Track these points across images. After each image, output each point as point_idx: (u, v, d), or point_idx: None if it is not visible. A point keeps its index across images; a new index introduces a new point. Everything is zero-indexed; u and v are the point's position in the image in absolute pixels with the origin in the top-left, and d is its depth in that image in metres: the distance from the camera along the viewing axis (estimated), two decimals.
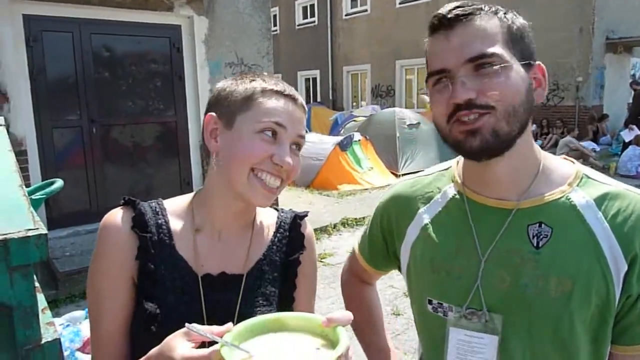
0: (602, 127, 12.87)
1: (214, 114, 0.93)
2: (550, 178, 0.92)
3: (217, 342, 0.68)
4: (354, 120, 11.75)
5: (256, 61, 6.00)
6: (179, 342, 0.71)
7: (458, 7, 0.85)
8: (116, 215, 0.93)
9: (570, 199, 0.89)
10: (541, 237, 0.87)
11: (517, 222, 0.89)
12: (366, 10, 17.89)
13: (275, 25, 20.29)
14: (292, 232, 1.04)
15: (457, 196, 0.98)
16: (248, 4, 5.89)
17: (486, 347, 0.89)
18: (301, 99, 0.96)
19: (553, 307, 0.85)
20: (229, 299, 0.92)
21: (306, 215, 1.09)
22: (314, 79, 20.42)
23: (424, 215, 1.02)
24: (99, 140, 5.30)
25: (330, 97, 19.52)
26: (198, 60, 5.61)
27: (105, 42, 5.23)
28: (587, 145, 10.98)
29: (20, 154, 4.49)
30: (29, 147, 4.71)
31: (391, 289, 4.28)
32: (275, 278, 0.99)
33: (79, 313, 2.99)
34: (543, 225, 0.88)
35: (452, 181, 1.01)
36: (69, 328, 2.71)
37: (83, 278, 4.07)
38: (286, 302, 1.00)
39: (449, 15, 0.84)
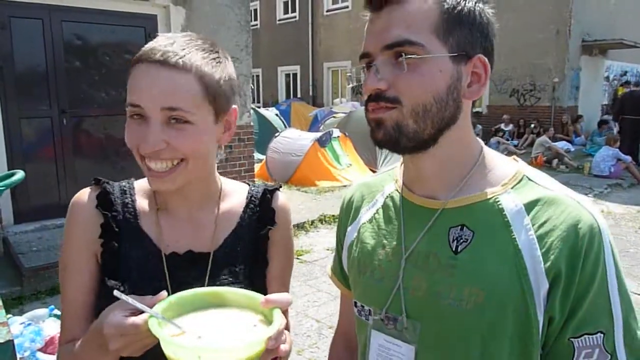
0: (577, 128, 13.13)
1: None
2: (485, 177, 0.83)
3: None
4: (334, 117, 11.70)
5: (235, 54, 5.88)
6: (113, 312, 0.72)
7: None
8: (83, 194, 0.95)
9: (498, 202, 0.79)
10: (461, 241, 0.78)
11: (441, 223, 0.81)
12: (347, 7, 17.84)
13: (255, 19, 20.09)
14: (262, 207, 1.01)
15: (394, 194, 0.92)
16: None
17: (404, 357, 0.82)
18: (180, 57, 0.85)
19: (465, 321, 0.76)
20: (195, 277, 0.91)
21: (278, 189, 1.05)
22: (295, 75, 20.29)
23: (364, 215, 0.96)
24: (69, 132, 5.14)
25: (311, 93, 19.43)
26: None
27: (77, 30, 5.07)
28: (562, 145, 11.17)
29: None
30: None
31: None
32: (244, 255, 0.97)
33: (42, 311, 2.86)
34: (465, 228, 0.79)
35: (394, 180, 0.95)
36: (30, 327, 2.58)
37: (50, 274, 3.98)
38: (257, 279, 0.97)
39: None
